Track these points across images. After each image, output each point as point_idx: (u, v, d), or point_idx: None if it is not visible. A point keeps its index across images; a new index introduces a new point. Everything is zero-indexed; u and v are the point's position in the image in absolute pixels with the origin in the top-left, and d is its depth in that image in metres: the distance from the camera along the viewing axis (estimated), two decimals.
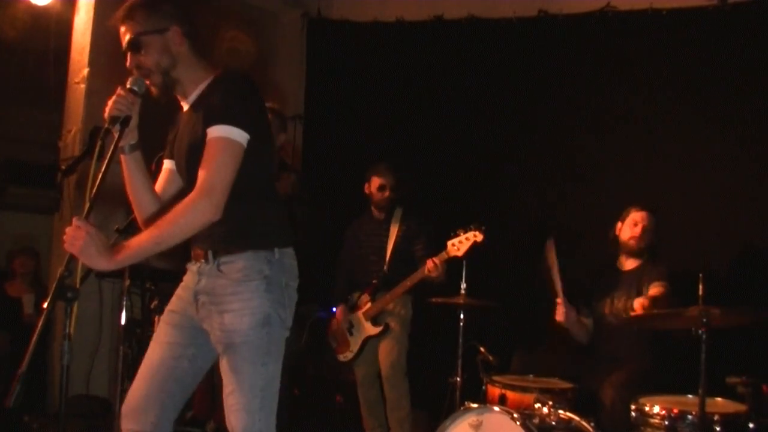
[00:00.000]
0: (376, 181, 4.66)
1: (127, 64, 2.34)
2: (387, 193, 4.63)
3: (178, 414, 2.42)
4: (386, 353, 4.53)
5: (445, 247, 4.18)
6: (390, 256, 4.60)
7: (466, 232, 4.10)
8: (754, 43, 4.64)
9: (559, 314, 3.86)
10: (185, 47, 2.35)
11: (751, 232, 4.56)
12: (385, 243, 4.64)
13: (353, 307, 4.67)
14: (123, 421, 2.37)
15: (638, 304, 3.65)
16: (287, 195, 3.69)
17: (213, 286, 2.31)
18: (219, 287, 2.30)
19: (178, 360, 2.37)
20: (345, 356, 4.67)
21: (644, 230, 3.94)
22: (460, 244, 4.09)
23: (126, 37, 2.32)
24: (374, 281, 4.59)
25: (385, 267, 4.59)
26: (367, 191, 4.72)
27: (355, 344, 4.63)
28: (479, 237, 4.05)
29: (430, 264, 4.23)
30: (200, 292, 2.35)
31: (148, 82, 2.33)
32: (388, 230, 4.66)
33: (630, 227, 3.98)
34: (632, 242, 3.96)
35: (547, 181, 5.25)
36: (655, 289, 3.74)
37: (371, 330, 4.57)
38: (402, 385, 4.50)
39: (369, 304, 4.58)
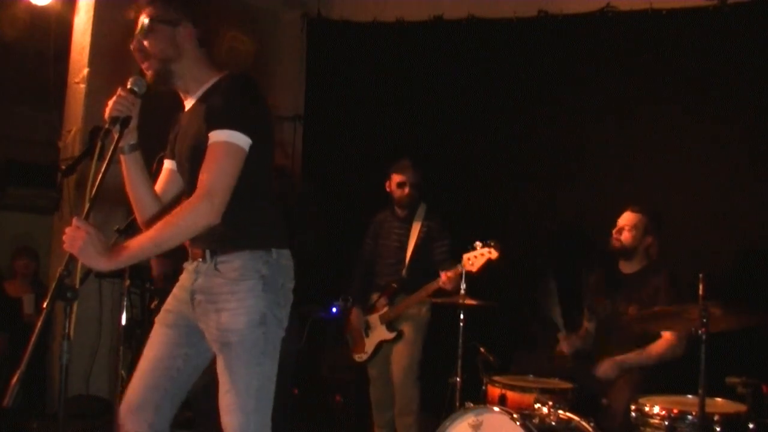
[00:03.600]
0: (395, 178, 4.58)
1: (132, 45, 2.36)
2: (407, 191, 4.55)
3: (175, 413, 2.42)
4: (399, 358, 4.50)
5: (460, 259, 4.11)
6: (410, 258, 4.54)
7: (483, 246, 4.02)
8: (754, 43, 4.63)
9: (565, 347, 3.94)
10: (191, 45, 2.38)
11: (752, 232, 4.56)
12: (406, 242, 4.57)
13: (370, 309, 4.64)
14: (121, 422, 2.37)
15: None
16: (281, 193, 3.67)
17: (210, 285, 2.32)
18: (216, 286, 2.30)
19: (173, 360, 2.38)
20: (360, 357, 4.65)
21: (623, 229, 3.95)
22: (475, 260, 4.02)
23: (140, 21, 2.35)
24: (394, 285, 4.54)
25: (404, 271, 4.53)
26: (387, 189, 4.64)
27: (369, 346, 4.60)
28: (494, 255, 3.98)
29: (444, 278, 4.18)
30: (197, 290, 2.35)
31: (145, 68, 2.34)
32: (409, 229, 4.59)
33: (615, 229, 4.00)
34: (615, 243, 3.97)
35: (547, 181, 5.24)
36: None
37: (385, 335, 4.53)
38: (412, 390, 4.46)
39: (386, 308, 4.54)
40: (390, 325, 4.53)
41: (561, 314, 3.87)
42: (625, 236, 3.95)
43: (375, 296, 4.64)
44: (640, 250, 3.97)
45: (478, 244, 4.06)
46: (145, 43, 2.34)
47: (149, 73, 2.35)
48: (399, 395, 4.49)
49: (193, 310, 2.36)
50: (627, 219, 3.97)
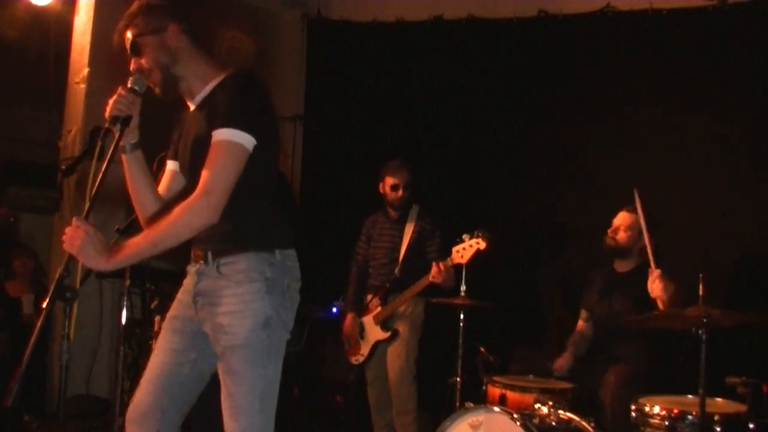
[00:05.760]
0: (389, 181, 4.57)
1: (131, 67, 2.35)
2: (400, 192, 4.55)
3: (183, 419, 2.41)
4: (394, 357, 4.49)
5: (450, 253, 4.12)
6: (403, 257, 4.54)
7: (471, 238, 4.03)
8: (754, 43, 4.64)
9: (557, 367, 3.91)
10: (184, 43, 2.36)
11: (752, 232, 4.56)
12: (399, 243, 4.57)
13: (364, 311, 4.63)
14: (127, 427, 2.36)
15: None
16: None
17: (213, 287, 2.30)
18: (219, 288, 2.28)
19: (180, 366, 2.36)
20: (356, 359, 4.64)
21: (618, 229, 3.96)
22: (464, 251, 4.03)
23: (128, 43, 2.35)
24: (387, 285, 4.54)
25: (397, 270, 4.53)
26: (381, 191, 4.64)
27: (365, 347, 4.59)
28: (482, 245, 3.98)
29: (434, 270, 4.17)
30: (199, 293, 2.33)
31: (151, 84, 2.34)
32: (402, 229, 4.59)
33: (610, 228, 4.01)
34: (610, 242, 3.97)
35: (547, 181, 5.24)
36: (669, 286, 3.67)
37: (380, 335, 4.52)
38: (408, 389, 4.46)
39: (379, 308, 4.54)
40: (384, 324, 4.53)
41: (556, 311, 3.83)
42: (621, 236, 3.95)
43: (368, 297, 4.64)
44: (635, 251, 3.97)
45: (466, 236, 4.06)
46: (142, 61, 2.33)
47: (157, 89, 2.35)
48: (396, 395, 4.49)
49: (196, 314, 2.35)
50: (622, 219, 3.98)
